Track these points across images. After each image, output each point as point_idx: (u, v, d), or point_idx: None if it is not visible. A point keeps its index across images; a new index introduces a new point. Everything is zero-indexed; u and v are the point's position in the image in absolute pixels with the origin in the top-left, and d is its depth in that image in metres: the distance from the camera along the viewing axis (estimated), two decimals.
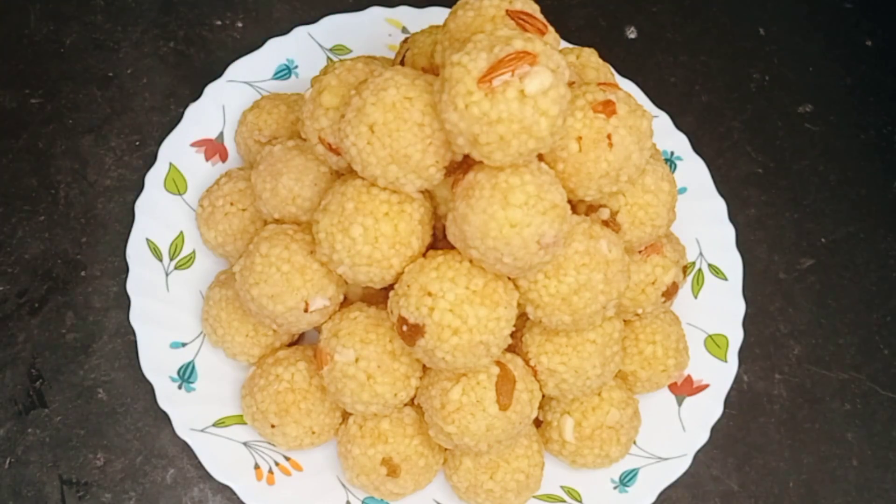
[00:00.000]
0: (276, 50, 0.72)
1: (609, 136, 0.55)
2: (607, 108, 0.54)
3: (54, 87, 0.75)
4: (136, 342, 0.63)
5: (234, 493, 0.60)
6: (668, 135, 0.72)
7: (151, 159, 0.68)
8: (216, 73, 0.71)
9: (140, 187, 0.67)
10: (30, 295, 0.68)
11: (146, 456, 0.64)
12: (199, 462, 0.60)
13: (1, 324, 0.66)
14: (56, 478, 0.63)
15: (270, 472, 0.61)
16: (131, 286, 0.64)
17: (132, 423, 0.65)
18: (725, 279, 0.69)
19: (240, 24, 0.79)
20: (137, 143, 0.73)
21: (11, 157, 0.72)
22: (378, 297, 0.60)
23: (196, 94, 0.70)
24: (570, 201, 0.53)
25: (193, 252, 0.67)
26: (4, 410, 0.64)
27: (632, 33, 0.83)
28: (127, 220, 0.67)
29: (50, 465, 0.63)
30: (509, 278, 0.55)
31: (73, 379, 0.65)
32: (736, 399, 0.67)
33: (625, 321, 0.63)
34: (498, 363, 0.56)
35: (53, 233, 0.70)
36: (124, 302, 0.64)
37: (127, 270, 0.64)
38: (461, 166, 0.53)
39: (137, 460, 0.64)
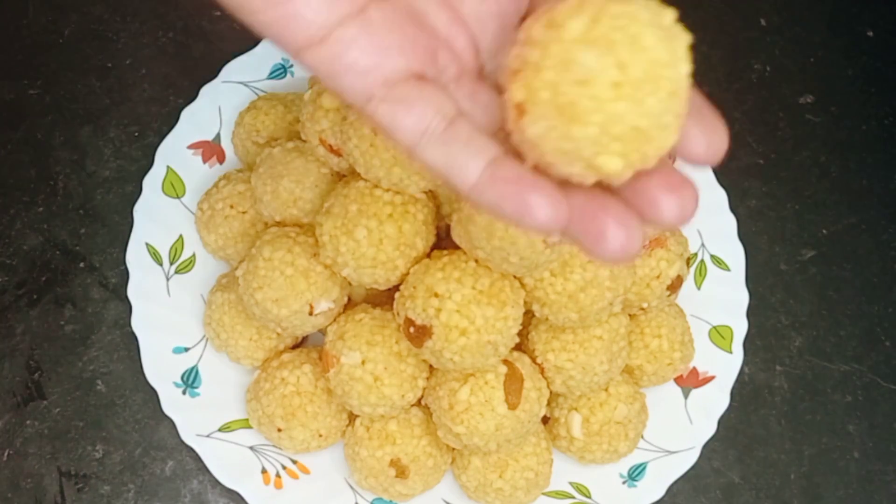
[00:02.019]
0: (270, 49, 0.71)
1: None
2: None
3: (53, 78, 0.74)
4: (135, 336, 0.62)
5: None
6: None
7: (150, 150, 0.68)
8: (215, 64, 0.70)
9: (139, 179, 0.67)
10: (28, 286, 0.67)
11: (145, 448, 0.64)
12: (198, 454, 0.60)
13: None
14: (55, 470, 0.63)
15: (278, 475, 0.61)
16: (132, 291, 0.63)
17: (131, 415, 0.65)
18: (728, 270, 0.69)
19: None
20: (136, 134, 0.73)
21: (10, 148, 0.71)
22: (382, 298, 0.60)
23: (195, 86, 0.70)
24: None
25: (193, 255, 0.67)
26: (3, 402, 0.64)
27: None
28: (126, 212, 0.67)
29: (48, 456, 0.63)
30: (515, 277, 0.54)
31: (72, 371, 0.65)
32: (737, 391, 0.67)
33: (630, 315, 0.63)
34: (505, 362, 0.56)
35: (52, 224, 0.69)
36: (123, 293, 0.64)
37: (125, 264, 0.64)
38: None
39: (136, 452, 0.64)
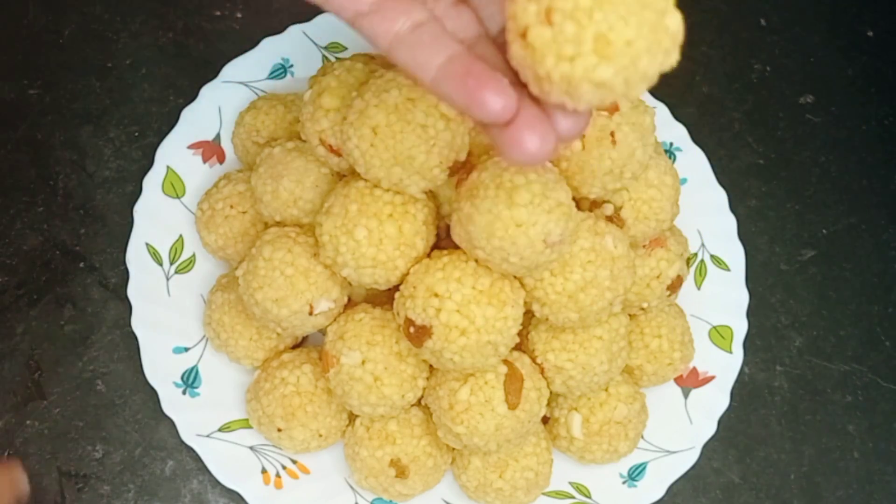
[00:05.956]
0: (270, 49, 0.71)
1: (612, 134, 0.54)
2: (610, 104, 0.54)
3: (53, 78, 0.74)
4: (135, 336, 0.62)
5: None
6: (666, 126, 0.72)
7: (150, 150, 0.68)
8: (215, 65, 0.70)
9: (139, 179, 0.67)
10: (28, 286, 0.67)
11: (145, 448, 0.64)
12: (198, 454, 0.60)
13: None
14: (55, 470, 0.63)
15: (278, 475, 0.61)
16: (132, 291, 0.63)
17: (131, 415, 0.65)
18: (728, 269, 0.69)
19: (239, 15, 0.79)
20: (136, 134, 0.73)
21: (10, 147, 0.71)
22: (383, 298, 0.60)
23: (195, 86, 0.70)
24: (573, 198, 0.53)
25: (193, 255, 0.67)
26: (3, 402, 0.64)
27: None
28: (126, 212, 0.67)
29: (48, 457, 0.63)
30: (515, 277, 0.54)
31: (72, 371, 0.65)
32: (737, 391, 0.67)
33: (630, 315, 0.63)
34: (505, 362, 0.56)
35: (52, 224, 0.69)
36: (123, 293, 0.64)
37: (125, 264, 0.64)
38: (465, 166, 0.53)
39: (136, 452, 0.64)
